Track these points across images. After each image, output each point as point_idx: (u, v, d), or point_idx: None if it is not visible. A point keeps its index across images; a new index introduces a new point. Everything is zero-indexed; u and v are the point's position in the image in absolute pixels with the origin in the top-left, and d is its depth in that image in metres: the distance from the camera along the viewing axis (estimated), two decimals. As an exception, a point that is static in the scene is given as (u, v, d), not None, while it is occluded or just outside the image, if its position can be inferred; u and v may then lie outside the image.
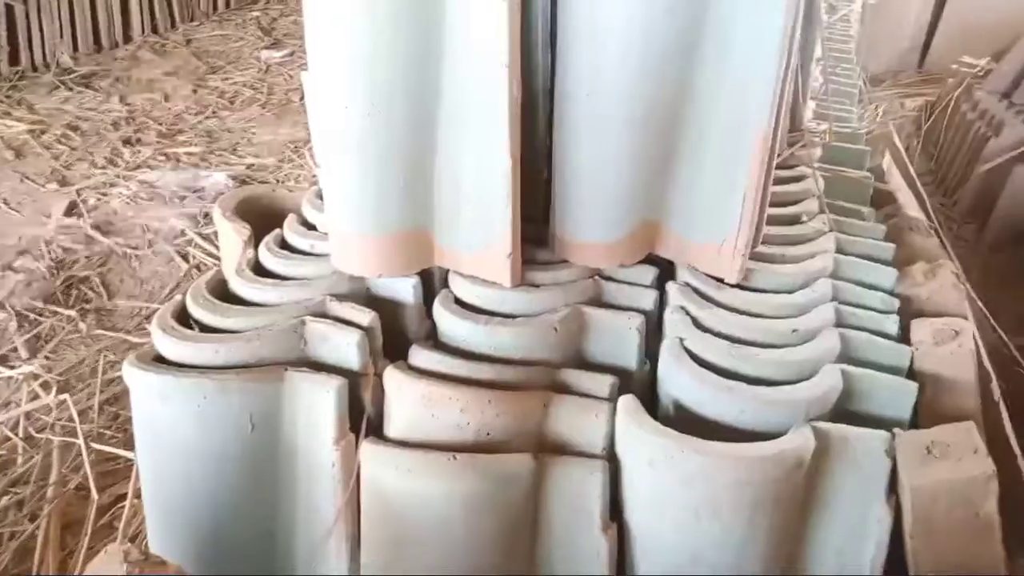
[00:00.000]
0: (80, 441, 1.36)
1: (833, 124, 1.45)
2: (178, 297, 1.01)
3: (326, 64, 0.89)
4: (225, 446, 0.90)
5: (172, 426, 0.89)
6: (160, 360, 0.93)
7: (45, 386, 1.55)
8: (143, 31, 3.94)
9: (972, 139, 2.51)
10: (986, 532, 0.80)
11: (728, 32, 0.88)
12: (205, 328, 0.98)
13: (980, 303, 1.49)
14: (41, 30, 3.43)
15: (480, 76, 0.89)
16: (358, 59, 0.87)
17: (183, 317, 0.99)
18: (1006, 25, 3.25)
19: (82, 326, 1.77)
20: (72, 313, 1.81)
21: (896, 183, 1.48)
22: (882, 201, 1.38)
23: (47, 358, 1.66)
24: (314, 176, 1.19)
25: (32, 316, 1.81)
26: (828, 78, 1.80)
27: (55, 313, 1.82)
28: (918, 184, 1.65)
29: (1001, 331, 1.50)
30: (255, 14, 4.38)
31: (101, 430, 1.47)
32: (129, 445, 1.39)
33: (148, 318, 1.82)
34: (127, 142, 2.79)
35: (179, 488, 0.93)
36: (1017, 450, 1.13)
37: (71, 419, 1.41)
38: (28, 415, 1.48)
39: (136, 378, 0.89)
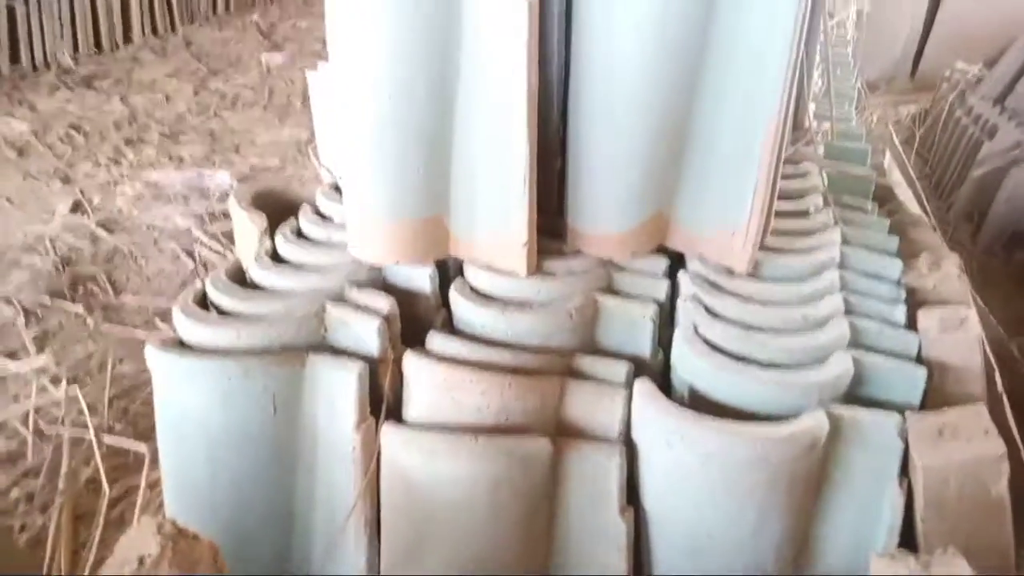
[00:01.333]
0: (91, 435, 1.37)
1: (835, 123, 1.47)
2: (198, 284, 1.02)
3: (349, 54, 0.91)
4: (248, 428, 0.91)
5: (196, 408, 0.90)
6: (181, 344, 0.94)
7: (54, 380, 1.55)
8: (143, 32, 3.95)
9: (966, 143, 2.55)
10: (997, 512, 0.82)
11: (739, 24, 0.90)
12: (225, 314, 0.99)
13: (979, 300, 1.52)
14: (42, 30, 3.44)
15: (498, 64, 0.91)
16: (381, 50, 0.89)
17: (203, 304, 1.01)
18: (995, 34, 3.31)
19: (89, 322, 1.77)
20: (79, 309, 1.81)
21: (896, 181, 1.51)
22: (883, 197, 1.41)
23: (55, 353, 1.66)
24: (318, 175, 1.21)
25: (39, 312, 1.81)
26: (828, 80, 1.83)
27: (62, 309, 1.82)
28: (917, 184, 1.68)
29: (1000, 328, 1.52)
30: (254, 17, 4.40)
31: (111, 424, 1.47)
32: (140, 438, 1.40)
33: (156, 314, 1.83)
34: (130, 142, 2.79)
35: (200, 470, 0.94)
36: (1019, 441, 1.15)
37: (80, 413, 1.42)
38: (37, 409, 1.48)
39: (160, 361, 0.90)
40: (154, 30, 4.01)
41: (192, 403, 0.90)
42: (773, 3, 0.86)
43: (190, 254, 2.07)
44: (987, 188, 2.35)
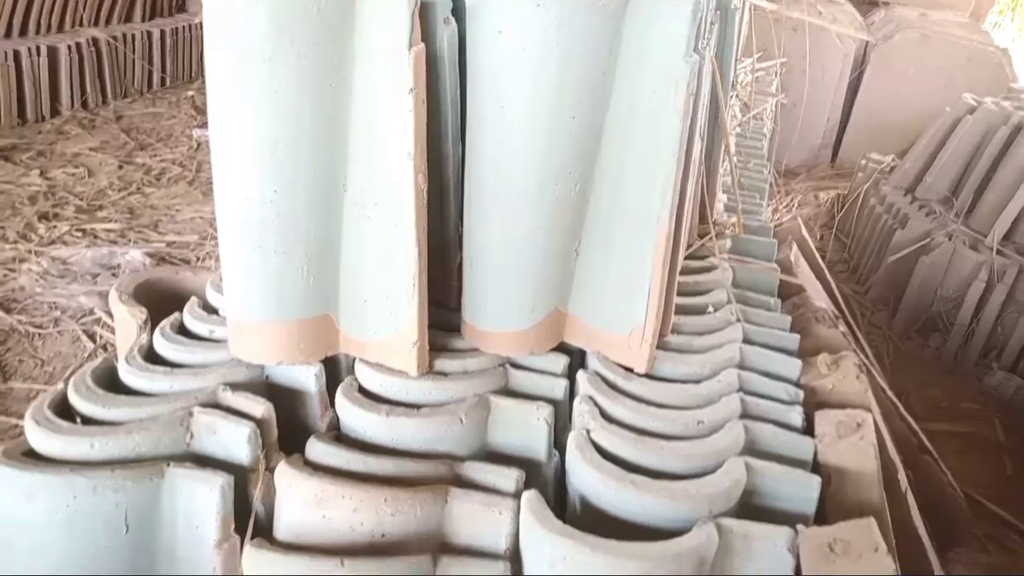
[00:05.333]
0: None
1: (742, 217, 1.49)
2: (60, 385, 0.95)
3: (227, 149, 0.88)
4: (96, 550, 0.82)
5: (35, 528, 0.81)
6: (31, 455, 0.86)
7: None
8: (72, 105, 3.87)
9: (880, 230, 2.65)
10: (889, 632, 0.78)
11: (629, 137, 0.91)
12: (88, 420, 0.91)
13: (890, 391, 1.53)
14: (-39, 102, 3.35)
15: (386, 166, 0.89)
16: (259, 146, 0.86)
17: (65, 407, 0.93)
18: (908, 125, 3.52)
19: (-29, 411, 1.66)
20: (-39, 396, 1.69)
21: (804, 274, 1.53)
22: (789, 292, 1.42)
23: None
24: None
25: (-84, 401, 1.69)
26: (739, 173, 1.88)
27: (-58, 397, 1.70)
28: (827, 273, 1.71)
29: (910, 417, 1.53)
30: (190, 93, 4.38)
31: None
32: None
33: (43, 403, 1.71)
34: (43, 217, 2.69)
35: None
36: (927, 541, 1.13)
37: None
38: None
39: (-1, 475, 0.82)
40: (84, 103, 3.94)
41: (31, 523, 0.81)
42: (660, 119, 0.87)
43: (91, 336, 1.97)
44: (900, 275, 2.43)
